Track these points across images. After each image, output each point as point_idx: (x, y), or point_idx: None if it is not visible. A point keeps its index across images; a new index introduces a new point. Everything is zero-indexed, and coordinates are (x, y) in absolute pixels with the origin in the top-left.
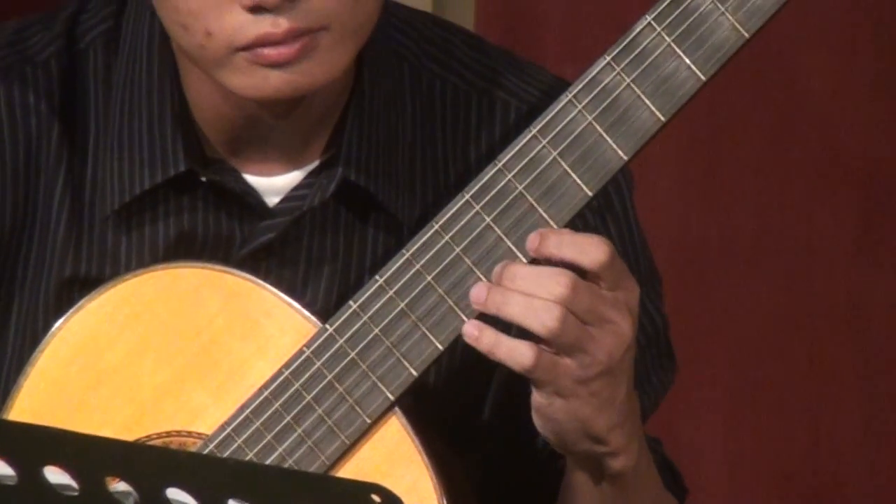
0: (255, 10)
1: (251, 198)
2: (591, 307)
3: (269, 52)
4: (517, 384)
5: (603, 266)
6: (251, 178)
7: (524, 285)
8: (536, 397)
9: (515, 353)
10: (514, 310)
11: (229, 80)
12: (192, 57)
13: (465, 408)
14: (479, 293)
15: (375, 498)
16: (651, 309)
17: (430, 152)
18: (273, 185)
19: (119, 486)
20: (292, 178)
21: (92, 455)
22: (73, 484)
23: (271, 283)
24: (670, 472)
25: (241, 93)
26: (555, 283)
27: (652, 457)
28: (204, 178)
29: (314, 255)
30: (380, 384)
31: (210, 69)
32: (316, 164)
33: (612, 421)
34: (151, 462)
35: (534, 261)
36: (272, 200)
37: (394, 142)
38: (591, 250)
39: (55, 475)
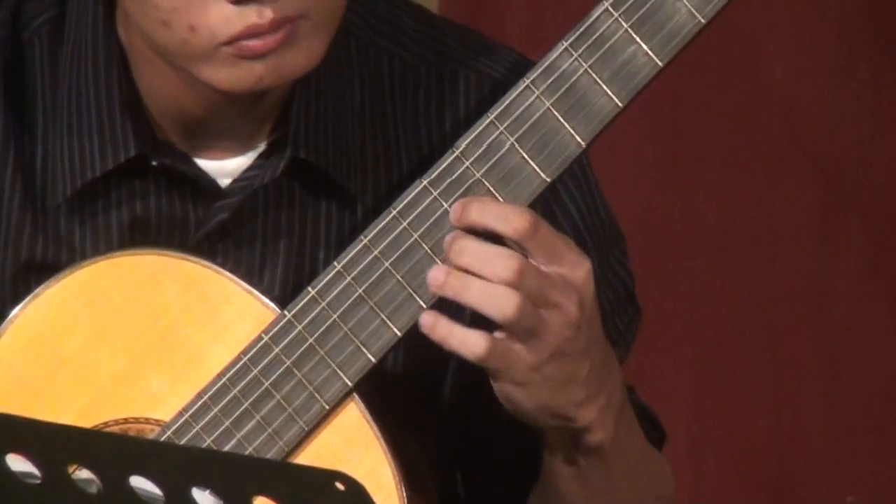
0: (240, 1)
1: (203, 180)
2: (540, 290)
3: (255, 44)
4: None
5: (525, 235)
6: (202, 163)
7: (473, 263)
8: (494, 385)
9: (469, 343)
10: (473, 295)
11: (212, 74)
12: (169, 53)
13: (422, 391)
14: (436, 277)
15: (339, 486)
16: (619, 269)
17: (381, 126)
18: (224, 168)
19: (82, 473)
20: (243, 160)
21: (55, 443)
22: (36, 472)
23: (229, 265)
24: (646, 419)
25: (222, 86)
26: (503, 266)
27: (633, 413)
28: (155, 163)
29: (269, 233)
30: (338, 370)
31: (191, 65)
32: (266, 145)
33: (576, 399)
34: (115, 450)
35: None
36: (224, 182)
37: (343, 118)
38: (513, 219)
39: (17, 463)
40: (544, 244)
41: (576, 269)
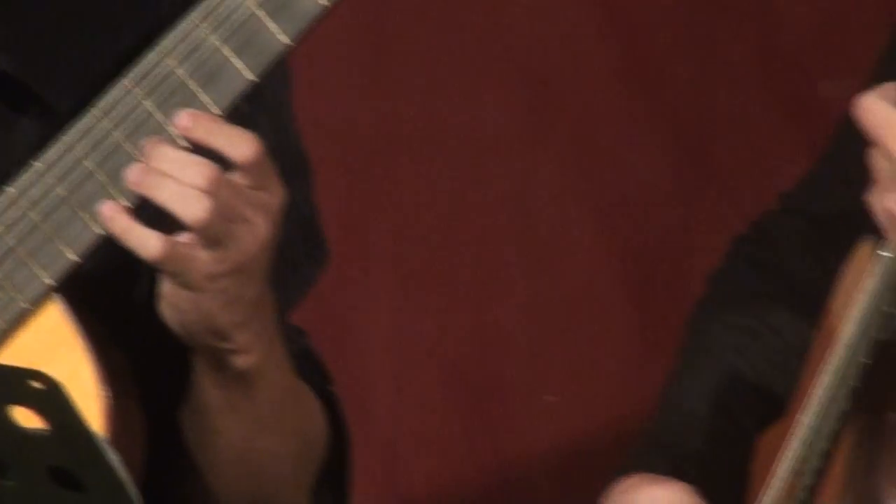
0: None
1: None
2: (234, 204)
3: None
4: None
5: (250, 162)
6: None
7: (173, 168)
8: (164, 286)
9: (145, 242)
10: (165, 195)
11: None
12: None
13: (121, 294)
14: (133, 173)
15: (37, 384)
16: (299, 199)
17: (80, 28)
18: None
19: None
20: None
21: None
22: None
23: None
24: (313, 365)
25: None
26: (198, 172)
27: (292, 348)
28: None
29: None
30: (39, 269)
31: None
32: None
33: (237, 319)
34: None
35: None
36: None
37: (37, 22)
38: (241, 144)
39: None
40: (259, 172)
41: (274, 195)
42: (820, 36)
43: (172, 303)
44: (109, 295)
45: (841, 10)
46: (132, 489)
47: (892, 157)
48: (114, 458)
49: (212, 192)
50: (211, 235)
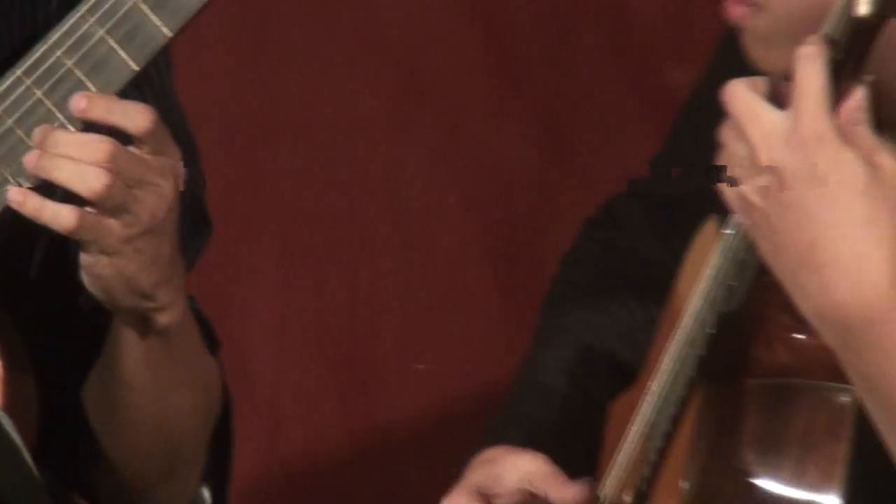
0: None
1: None
2: (135, 170)
3: None
4: (61, 245)
5: (148, 131)
6: None
7: (69, 150)
8: (84, 257)
9: (59, 217)
10: (62, 174)
11: None
12: None
13: (14, 270)
14: (31, 158)
15: None
16: (186, 178)
17: None
18: None
19: None
20: None
21: None
22: None
23: None
24: (202, 325)
25: None
26: (95, 149)
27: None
28: None
29: None
30: None
31: None
32: None
33: (157, 278)
34: None
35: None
36: None
37: None
38: (137, 116)
39: None
40: (157, 138)
41: (174, 156)
42: (668, 28)
43: (94, 271)
44: (2, 272)
45: (686, 3)
46: (27, 455)
47: (750, 144)
48: (8, 422)
49: (110, 164)
50: (115, 204)
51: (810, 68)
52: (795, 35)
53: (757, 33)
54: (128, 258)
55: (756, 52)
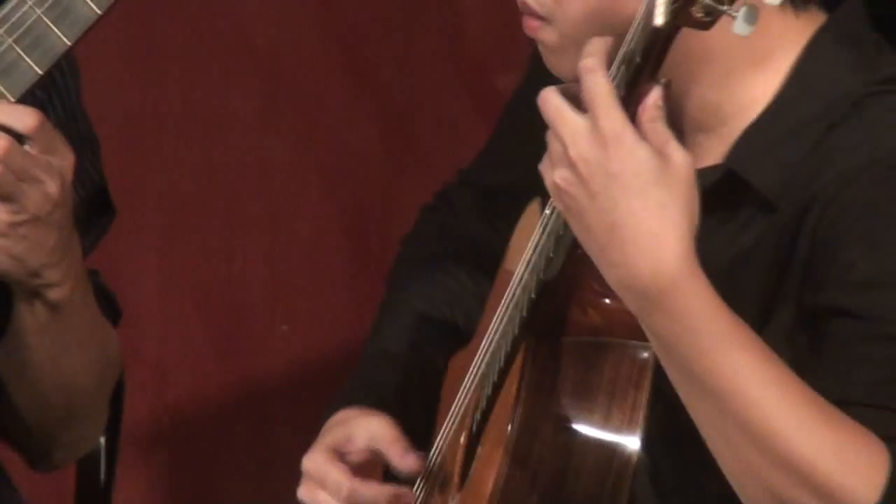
0: None
1: None
2: (24, 166)
3: None
4: None
5: (35, 130)
6: None
7: None
8: None
9: None
10: None
11: None
12: None
13: None
14: None
15: None
16: (90, 168)
17: None
18: None
19: None
20: None
21: None
22: None
23: None
24: (105, 298)
25: None
26: None
27: (90, 286)
28: None
29: None
30: None
31: None
32: None
33: (45, 260)
34: None
35: None
36: None
37: None
38: (25, 117)
39: None
40: (46, 138)
41: (64, 158)
42: (496, 38)
43: None
44: None
45: (513, 18)
46: None
47: (562, 142)
48: None
49: (2, 156)
50: (3, 192)
51: (593, 77)
52: (582, 44)
53: (548, 44)
54: (14, 241)
55: (549, 60)
